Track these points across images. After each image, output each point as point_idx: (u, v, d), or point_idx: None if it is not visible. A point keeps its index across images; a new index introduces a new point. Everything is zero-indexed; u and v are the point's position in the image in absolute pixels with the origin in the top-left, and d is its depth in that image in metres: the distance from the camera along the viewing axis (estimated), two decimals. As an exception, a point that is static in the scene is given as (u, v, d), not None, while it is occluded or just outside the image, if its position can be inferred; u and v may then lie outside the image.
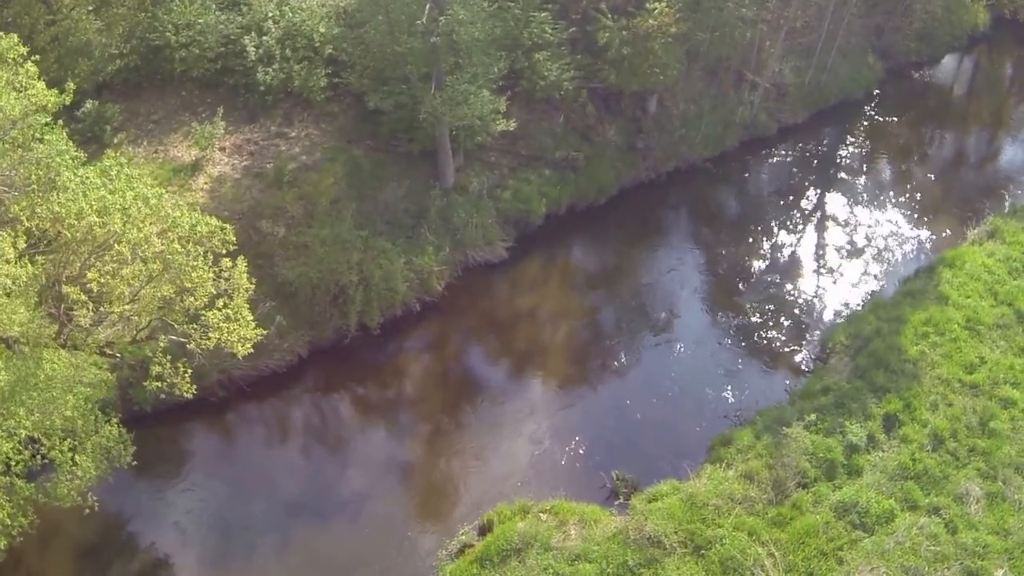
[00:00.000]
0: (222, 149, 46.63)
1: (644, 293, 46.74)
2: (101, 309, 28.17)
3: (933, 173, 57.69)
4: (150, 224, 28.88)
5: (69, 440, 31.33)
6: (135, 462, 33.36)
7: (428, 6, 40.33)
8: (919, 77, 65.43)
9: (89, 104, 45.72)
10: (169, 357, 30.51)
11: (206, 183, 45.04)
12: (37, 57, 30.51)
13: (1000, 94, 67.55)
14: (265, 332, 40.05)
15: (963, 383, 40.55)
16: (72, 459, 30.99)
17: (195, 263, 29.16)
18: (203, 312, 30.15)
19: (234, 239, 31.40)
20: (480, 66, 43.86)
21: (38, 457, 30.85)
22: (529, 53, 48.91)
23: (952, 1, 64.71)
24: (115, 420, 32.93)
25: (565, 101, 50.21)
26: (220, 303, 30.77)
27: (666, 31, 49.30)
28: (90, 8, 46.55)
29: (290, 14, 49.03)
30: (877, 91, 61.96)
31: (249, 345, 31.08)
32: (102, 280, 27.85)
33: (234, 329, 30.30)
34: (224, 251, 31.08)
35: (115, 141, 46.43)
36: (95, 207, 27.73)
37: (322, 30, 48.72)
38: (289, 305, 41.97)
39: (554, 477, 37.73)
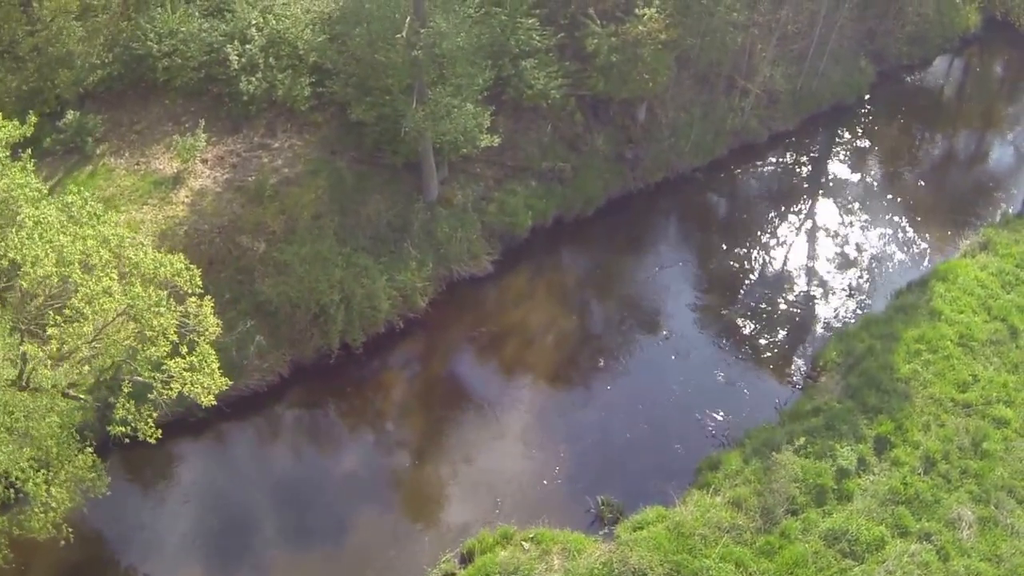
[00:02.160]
0: (204, 161, 45.81)
1: (631, 307, 46.08)
2: (63, 348, 27.23)
3: (924, 178, 57.06)
4: (112, 271, 27.83)
5: (43, 472, 30.70)
6: (108, 492, 32.79)
7: (409, 19, 39.36)
8: (911, 80, 64.69)
9: (70, 115, 44.93)
10: (133, 401, 29.55)
11: (187, 196, 44.26)
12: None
13: (991, 96, 66.87)
14: (246, 358, 40.24)
15: (956, 402, 40.05)
16: (47, 491, 30.33)
17: (158, 308, 28.11)
18: (165, 361, 29.06)
19: (200, 283, 30.22)
20: (464, 77, 42.98)
21: (11, 490, 30.27)
22: (516, 60, 48.01)
23: (944, 3, 63.81)
24: (88, 450, 32.23)
25: (553, 109, 49.36)
26: (184, 348, 29.62)
27: (656, 38, 48.41)
28: (73, 16, 45.46)
29: (274, 21, 48.05)
30: (868, 95, 61.19)
31: (213, 397, 29.91)
32: (62, 338, 26.72)
33: (198, 380, 29.17)
34: (191, 292, 30.02)
35: (97, 152, 45.66)
36: (52, 257, 26.66)
37: (306, 37, 47.75)
38: (269, 323, 41.26)
39: (538, 500, 37.14)
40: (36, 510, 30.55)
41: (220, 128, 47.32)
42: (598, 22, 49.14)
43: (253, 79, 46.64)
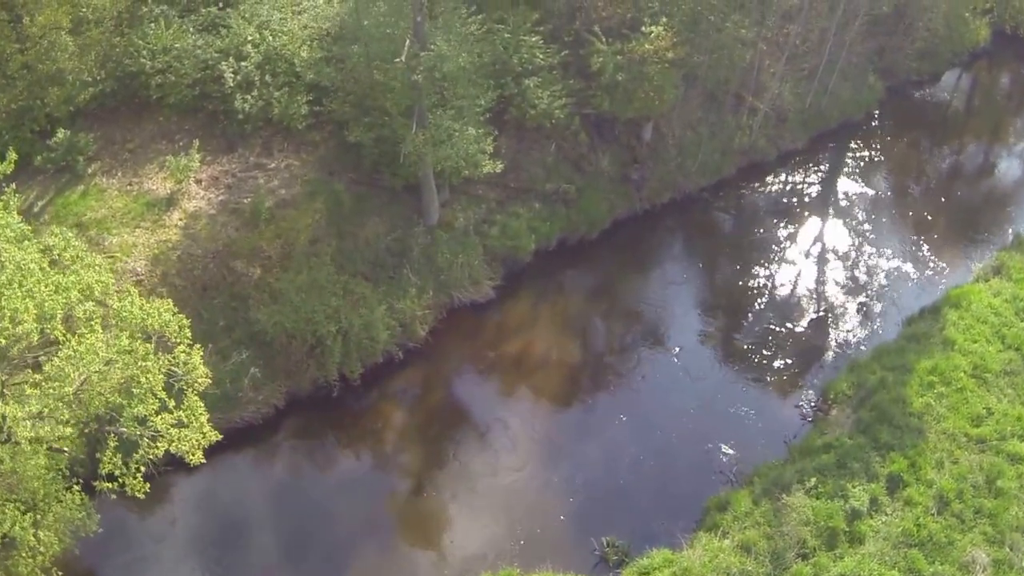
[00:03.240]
0: (198, 181, 44.60)
1: (636, 335, 44.96)
2: (44, 409, 25.96)
3: (935, 196, 56.01)
4: (96, 323, 26.56)
5: (30, 514, 29.56)
6: (100, 529, 31.72)
7: (408, 41, 38.13)
8: (920, 96, 63.54)
9: (61, 133, 43.66)
10: (120, 455, 28.30)
11: (180, 219, 43.05)
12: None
13: (1001, 110, 65.71)
14: (240, 390, 39.08)
15: (969, 437, 38.98)
16: (35, 535, 29.19)
17: (145, 363, 26.82)
18: (152, 418, 27.75)
19: (189, 334, 28.92)
20: (466, 98, 41.79)
21: (-3, 536, 29.17)
22: (519, 79, 46.78)
23: (953, 18, 62.60)
24: (76, 488, 31.08)
25: (556, 129, 48.13)
26: (171, 402, 28.30)
27: (662, 56, 47.21)
28: (65, 31, 44.16)
29: (270, 38, 46.78)
30: (877, 111, 60.08)
31: (202, 454, 28.63)
32: (42, 398, 25.43)
33: (187, 436, 27.90)
34: (179, 341, 28.73)
35: (89, 171, 44.41)
36: (32, 311, 25.37)
37: (303, 54, 46.51)
38: (264, 353, 40.11)
39: (541, 538, 36.09)
40: (23, 555, 29.43)
41: (215, 147, 46.10)
42: (603, 39, 47.94)
43: (249, 97, 45.43)
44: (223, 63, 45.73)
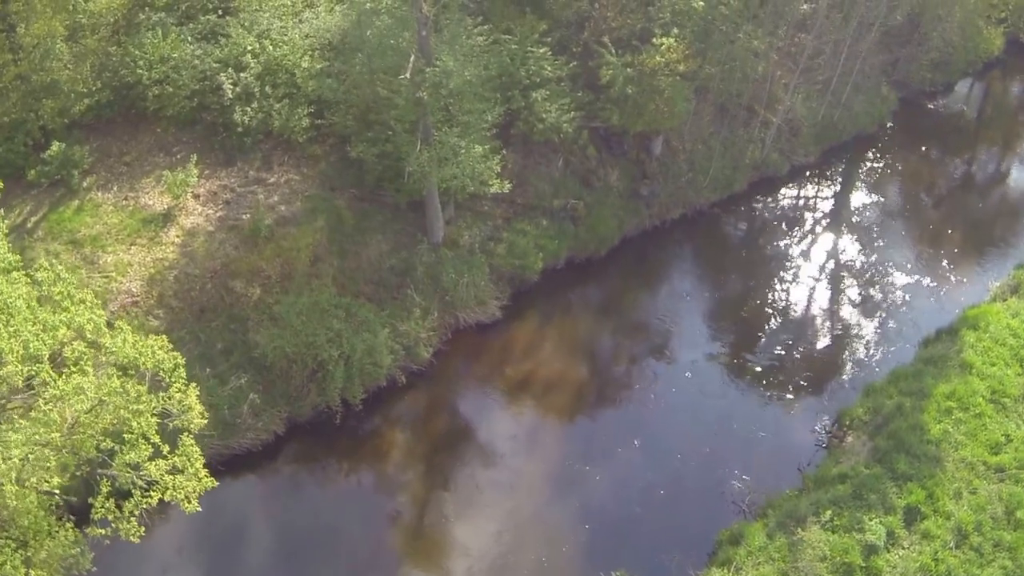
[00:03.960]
0: (196, 196, 43.43)
1: (646, 356, 43.80)
2: (29, 456, 24.77)
3: (949, 210, 54.85)
4: (86, 363, 25.33)
5: (20, 551, 28.42)
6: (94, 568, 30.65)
7: (413, 57, 36.88)
8: (933, 107, 62.29)
9: (56, 146, 42.43)
10: (112, 500, 27.08)
11: (178, 236, 41.90)
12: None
13: (1015, 120, 64.61)
14: (239, 417, 37.92)
15: (988, 466, 37.93)
16: (27, 574, 28.06)
17: (138, 406, 25.59)
18: (145, 465, 26.48)
19: (184, 374, 27.66)
20: (472, 114, 40.53)
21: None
22: (526, 92, 45.51)
23: (968, 27, 61.29)
24: (69, 525, 29.91)
25: (564, 143, 46.91)
26: (166, 447, 27.03)
27: (674, 68, 45.96)
28: (60, 38, 42.85)
29: (271, 48, 45.53)
30: (890, 123, 58.85)
31: (197, 502, 27.36)
32: (27, 446, 24.21)
33: (182, 484, 26.69)
34: (174, 381, 27.43)
35: (84, 185, 43.26)
36: (17, 352, 24.13)
37: (304, 65, 45.28)
38: (263, 378, 38.95)
39: (549, 570, 34.99)
40: (14, 594, 28.28)
41: (213, 160, 44.93)
42: (613, 51, 46.67)
43: (248, 109, 44.27)
44: (222, 74, 44.55)
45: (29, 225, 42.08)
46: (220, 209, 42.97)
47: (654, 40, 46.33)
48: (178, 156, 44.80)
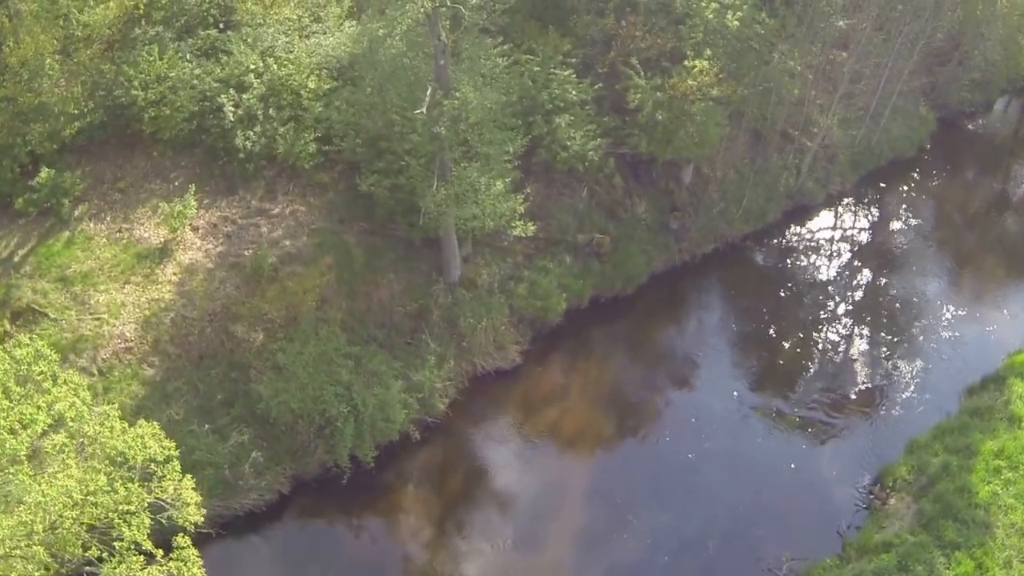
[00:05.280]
0: (195, 229, 40.49)
1: (676, 405, 40.95)
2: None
3: (992, 243, 52.01)
4: (68, 457, 22.45)
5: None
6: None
7: (430, 89, 33.85)
8: (973, 127, 59.20)
9: (45, 172, 39.51)
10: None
11: (175, 274, 38.99)
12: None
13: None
14: (240, 477, 35.12)
15: (1040, 532, 35.22)
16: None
17: (128, 506, 22.73)
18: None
19: (178, 467, 24.80)
20: (493, 145, 37.45)
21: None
22: (549, 116, 42.45)
23: (1010, 44, 58.12)
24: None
25: (589, 171, 43.85)
26: (159, 553, 24.20)
27: (706, 92, 42.94)
28: (50, 54, 39.81)
29: (275, 66, 42.41)
30: (928, 145, 55.79)
31: None
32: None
33: None
34: (167, 474, 24.58)
35: (75, 215, 40.35)
36: None
37: (311, 85, 42.20)
38: (267, 432, 36.11)
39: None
40: None
41: (213, 188, 41.96)
42: (641, 73, 43.58)
43: (251, 133, 41.24)
44: (223, 95, 41.52)
45: (16, 259, 39.19)
46: (220, 243, 40.05)
47: (686, 62, 43.26)
48: (176, 183, 41.86)
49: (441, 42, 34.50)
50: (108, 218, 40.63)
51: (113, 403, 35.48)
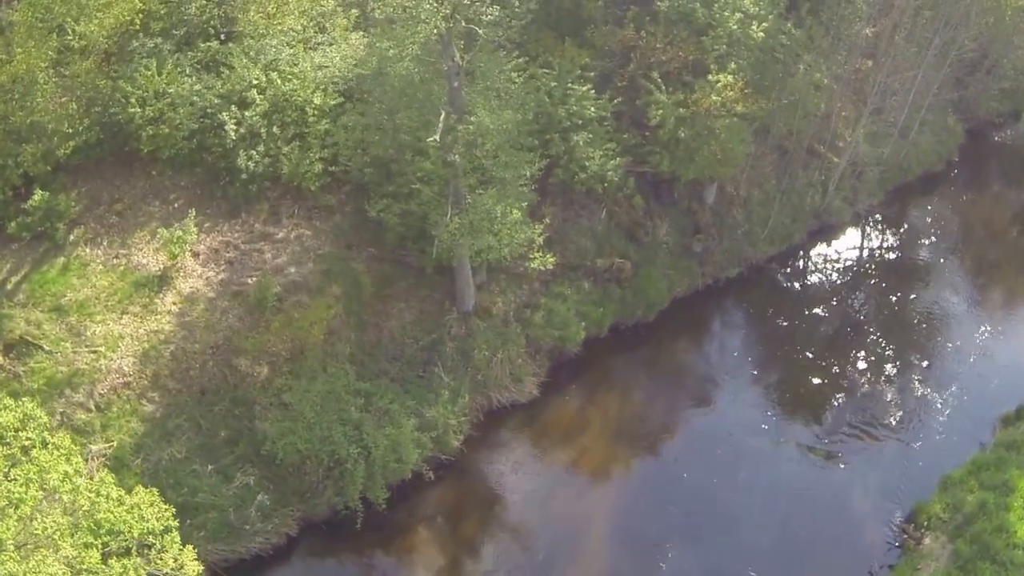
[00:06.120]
0: (195, 255, 38.64)
1: (701, 438, 39.14)
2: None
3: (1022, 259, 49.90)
4: (63, 538, 20.64)
5: None
6: None
7: (443, 115, 31.92)
8: (1001, 138, 57.12)
9: (38, 195, 37.67)
10: None
11: (175, 303, 37.16)
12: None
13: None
14: (247, 521, 33.42)
15: (1081, 575, 33.52)
16: None
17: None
18: None
19: (178, 538, 23.04)
20: (509, 168, 35.51)
21: None
22: (566, 135, 40.50)
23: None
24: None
25: (608, 192, 41.88)
26: None
27: (731, 108, 40.98)
28: (43, 68, 37.86)
29: (279, 81, 40.43)
30: (956, 158, 53.83)
31: None
32: None
33: None
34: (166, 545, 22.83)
35: (71, 239, 38.50)
36: None
37: (317, 102, 40.23)
38: (273, 473, 34.37)
39: None
40: None
41: (214, 210, 40.12)
42: (662, 87, 41.61)
43: (254, 152, 39.32)
44: (224, 112, 39.61)
45: (9, 287, 37.34)
46: (222, 271, 38.22)
47: (709, 76, 41.28)
48: (175, 205, 40.05)
49: (455, 63, 32.59)
50: (105, 243, 38.78)
51: (111, 442, 34.77)
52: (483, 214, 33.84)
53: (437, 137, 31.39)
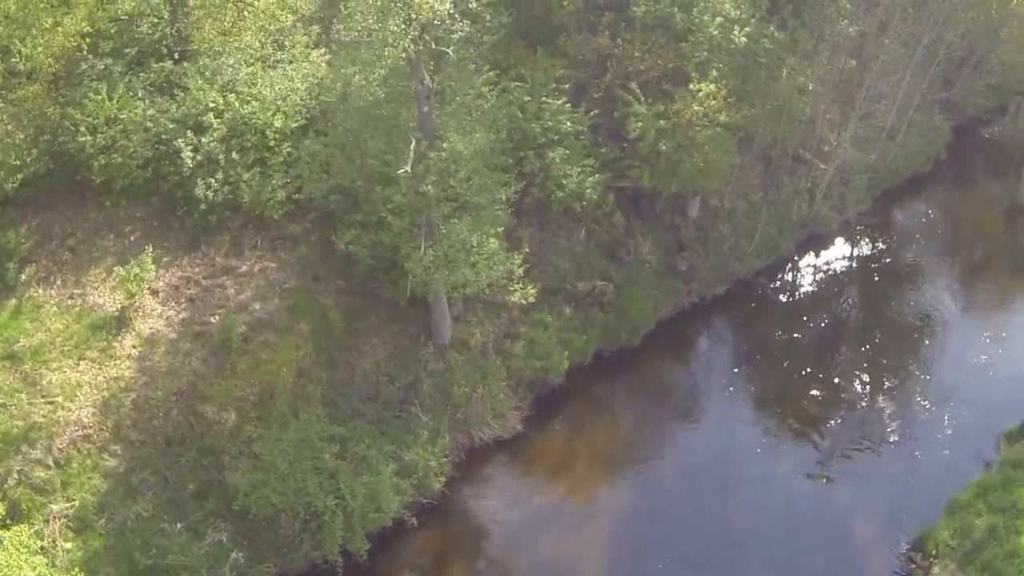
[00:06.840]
0: (154, 293, 36.45)
1: (694, 468, 37.44)
2: None
3: (1018, 263, 48.50)
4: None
5: None
6: None
7: (414, 143, 29.94)
8: (988, 135, 55.83)
9: (-15, 234, 35.42)
10: None
11: (134, 346, 35.02)
12: None
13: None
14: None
15: (1098, 602, 32.27)
16: None
17: None
18: None
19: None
20: (483, 192, 33.63)
21: None
22: (542, 151, 38.60)
23: (1025, 45, 54.98)
24: None
25: (587, 209, 40.06)
26: None
27: (714, 119, 39.20)
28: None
29: (236, 103, 38.15)
30: (944, 157, 52.45)
31: None
32: None
33: None
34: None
35: (22, 279, 36.21)
36: None
37: (277, 124, 38.01)
38: (246, 526, 32.39)
39: None
40: None
41: (173, 243, 37.92)
42: (641, 98, 39.75)
43: (212, 180, 37.06)
44: (179, 138, 37.28)
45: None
46: (183, 309, 36.07)
47: (691, 85, 39.43)
48: (131, 238, 37.83)
49: (425, 87, 30.58)
50: (58, 282, 36.55)
51: (73, 500, 32.65)
52: (458, 244, 31.95)
53: (408, 168, 29.37)
